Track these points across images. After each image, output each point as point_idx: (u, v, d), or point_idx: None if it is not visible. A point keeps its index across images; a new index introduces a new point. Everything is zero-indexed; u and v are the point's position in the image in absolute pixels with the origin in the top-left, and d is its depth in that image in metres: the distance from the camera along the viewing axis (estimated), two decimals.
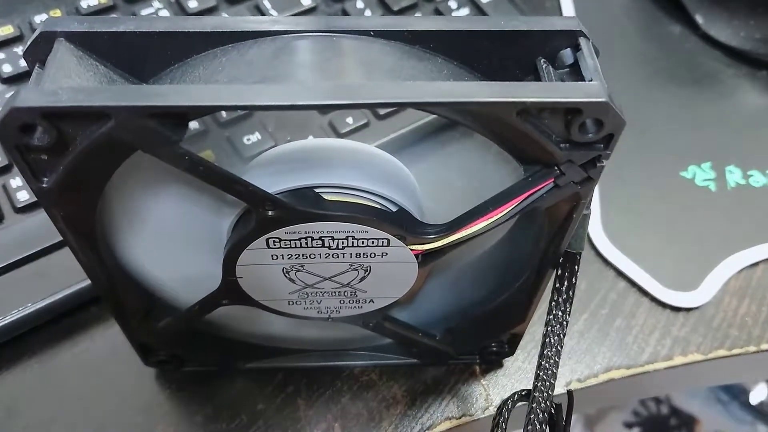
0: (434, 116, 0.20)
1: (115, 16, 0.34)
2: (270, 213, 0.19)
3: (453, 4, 0.38)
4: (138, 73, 0.18)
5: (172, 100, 0.15)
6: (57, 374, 0.27)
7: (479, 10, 0.38)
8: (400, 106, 0.16)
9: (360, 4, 0.37)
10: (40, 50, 0.17)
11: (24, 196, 0.28)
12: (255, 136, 0.31)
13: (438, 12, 0.37)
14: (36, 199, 0.28)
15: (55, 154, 0.16)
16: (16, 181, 0.29)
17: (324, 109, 0.20)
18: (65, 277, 0.28)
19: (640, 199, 0.34)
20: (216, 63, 0.17)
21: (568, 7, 0.43)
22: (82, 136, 0.16)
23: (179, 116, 0.16)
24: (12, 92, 0.31)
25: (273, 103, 0.16)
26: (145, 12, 0.35)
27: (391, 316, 0.25)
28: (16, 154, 0.16)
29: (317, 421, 0.27)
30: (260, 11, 0.36)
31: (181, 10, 0.35)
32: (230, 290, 0.22)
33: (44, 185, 0.17)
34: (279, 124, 0.32)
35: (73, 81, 0.17)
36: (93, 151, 0.16)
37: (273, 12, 0.36)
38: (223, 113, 0.31)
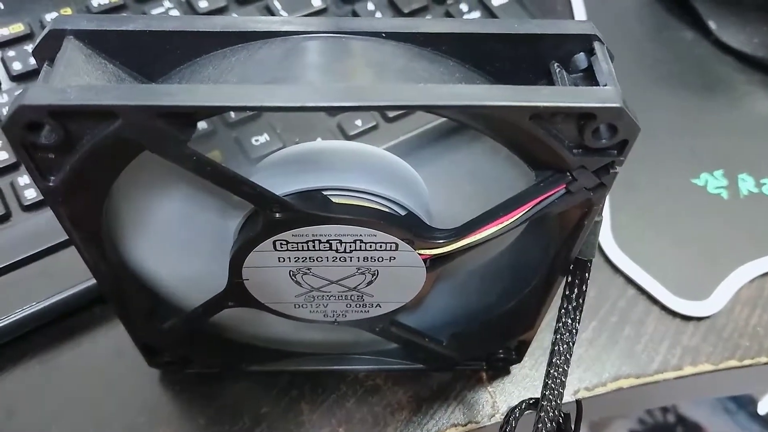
0: (444, 119, 0.20)
1: (125, 15, 0.34)
2: (277, 215, 0.19)
3: (464, 7, 0.38)
4: (147, 73, 0.18)
5: (180, 100, 0.15)
6: (58, 375, 0.27)
7: (490, 14, 0.38)
8: (412, 109, 0.16)
9: (370, 6, 0.37)
10: (49, 48, 0.17)
11: (31, 194, 0.28)
12: (263, 137, 0.31)
13: (449, 15, 0.37)
14: (43, 197, 0.28)
15: (62, 153, 0.16)
16: (23, 179, 0.29)
17: (333, 110, 0.20)
18: (70, 276, 0.27)
19: (651, 207, 0.34)
20: (226, 63, 0.17)
21: (579, 11, 0.43)
22: (89, 135, 0.16)
23: (187, 116, 0.16)
24: (20, 90, 0.31)
25: (281, 104, 0.15)
26: (155, 11, 0.35)
27: (398, 321, 0.24)
28: (23, 153, 0.16)
29: (321, 425, 0.26)
30: (270, 12, 0.35)
31: (192, 9, 0.35)
32: (236, 292, 0.22)
33: (51, 184, 0.17)
34: (287, 126, 0.32)
35: (81, 79, 0.16)
36: (100, 150, 0.16)
37: (283, 13, 0.35)
38: (232, 114, 0.31)
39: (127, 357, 0.26)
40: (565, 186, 0.18)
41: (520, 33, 0.18)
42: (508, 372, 0.28)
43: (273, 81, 0.17)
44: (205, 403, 0.27)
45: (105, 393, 0.27)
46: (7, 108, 0.30)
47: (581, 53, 0.18)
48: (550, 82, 0.18)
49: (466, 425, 0.26)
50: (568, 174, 0.18)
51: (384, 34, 0.18)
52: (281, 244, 0.20)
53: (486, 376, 0.28)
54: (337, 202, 0.19)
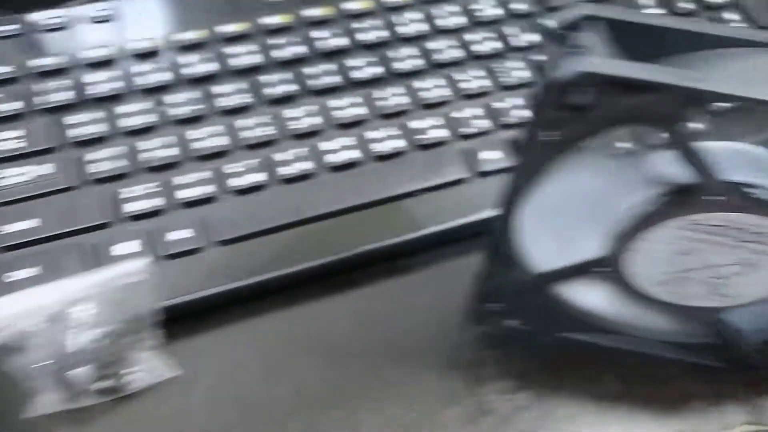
0: None
1: (627, 8, 0.36)
2: (707, 197, 0.21)
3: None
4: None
5: (711, 86, 0.18)
6: (383, 306, 0.31)
7: None
8: None
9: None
10: (570, 28, 0.20)
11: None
12: None
13: None
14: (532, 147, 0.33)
15: (577, 114, 0.20)
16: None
17: None
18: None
19: None
20: (733, 61, 0.20)
21: None
22: (604, 103, 0.19)
23: (699, 101, 0.19)
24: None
25: None
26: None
27: (725, 318, 0.26)
28: (552, 107, 0.19)
29: (620, 403, 0.29)
30: None
31: None
32: (607, 262, 0.24)
33: (553, 138, 0.20)
34: None
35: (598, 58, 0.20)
36: (610, 119, 0.19)
37: None
38: None
39: (451, 305, 0.30)
40: None
41: None
42: None
43: None
44: (515, 361, 0.30)
45: (420, 334, 0.30)
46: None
47: None
48: None
49: (757, 423, 0.28)
50: None
51: None
52: (691, 224, 0.22)
53: None
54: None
